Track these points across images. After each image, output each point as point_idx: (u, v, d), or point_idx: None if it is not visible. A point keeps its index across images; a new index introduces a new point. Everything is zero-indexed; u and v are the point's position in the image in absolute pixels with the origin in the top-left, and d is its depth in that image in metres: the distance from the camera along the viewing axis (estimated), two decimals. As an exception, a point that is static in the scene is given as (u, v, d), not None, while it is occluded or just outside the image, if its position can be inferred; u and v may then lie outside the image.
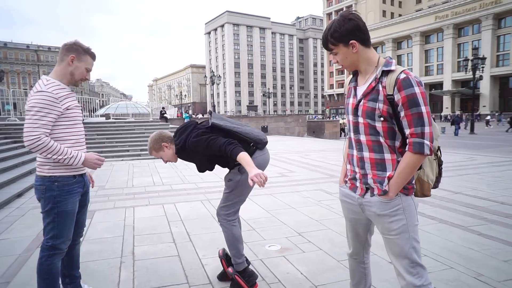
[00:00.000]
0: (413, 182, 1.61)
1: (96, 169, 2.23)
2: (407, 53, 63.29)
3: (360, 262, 1.87)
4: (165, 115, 24.19)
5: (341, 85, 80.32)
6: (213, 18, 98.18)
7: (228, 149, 2.11)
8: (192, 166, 3.59)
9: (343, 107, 72.07)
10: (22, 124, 2.08)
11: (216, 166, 2.47)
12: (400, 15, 68.37)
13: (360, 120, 1.59)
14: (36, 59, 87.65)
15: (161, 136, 2.43)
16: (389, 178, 1.55)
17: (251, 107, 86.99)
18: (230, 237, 2.47)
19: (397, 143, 1.56)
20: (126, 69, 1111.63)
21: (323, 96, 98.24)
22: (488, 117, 35.20)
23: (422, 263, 1.58)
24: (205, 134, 2.26)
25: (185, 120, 21.95)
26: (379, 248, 2.79)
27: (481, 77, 29.45)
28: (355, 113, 1.61)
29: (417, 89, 1.44)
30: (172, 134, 2.48)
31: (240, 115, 54.76)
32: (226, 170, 2.51)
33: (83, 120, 14.05)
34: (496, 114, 43.57)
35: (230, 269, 2.52)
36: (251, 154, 2.35)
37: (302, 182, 6.57)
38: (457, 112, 44.53)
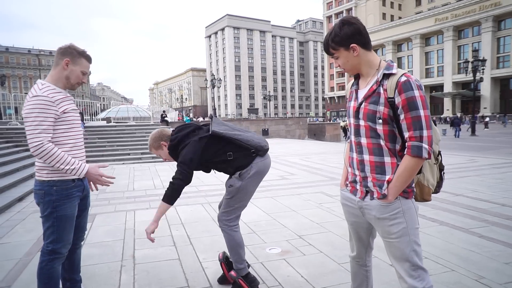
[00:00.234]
0: (413, 185, 1.61)
1: (97, 186, 2.18)
2: (408, 56, 63.41)
3: (362, 265, 1.87)
4: (166, 118, 24.22)
5: (341, 87, 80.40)
6: (213, 21, 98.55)
7: (174, 177, 2.23)
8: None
9: (344, 109, 72.15)
10: (24, 129, 2.08)
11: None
12: (400, 18, 68.50)
13: (361, 122, 1.60)
14: (37, 63, 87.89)
15: (161, 135, 2.45)
16: (389, 182, 1.55)
17: (252, 110, 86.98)
18: (231, 242, 2.46)
19: (397, 146, 1.57)
20: (127, 72, 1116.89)
21: (323, 99, 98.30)
22: (487, 119, 34.94)
23: (424, 266, 1.58)
24: (198, 144, 2.31)
25: (186, 123, 21.89)
26: (379, 251, 2.79)
27: (481, 79, 29.43)
28: (356, 116, 1.62)
29: (416, 93, 1.45)
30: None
31: (241, 118, 54.81)
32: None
33: (83, 124, 14.16)
34: (497, 115, 43.38)
35: (233, 273, 2.51)
36: (251, 161, 2.36)
37: (303, 185, 6.57)
38: (458, 114, 44.39)
